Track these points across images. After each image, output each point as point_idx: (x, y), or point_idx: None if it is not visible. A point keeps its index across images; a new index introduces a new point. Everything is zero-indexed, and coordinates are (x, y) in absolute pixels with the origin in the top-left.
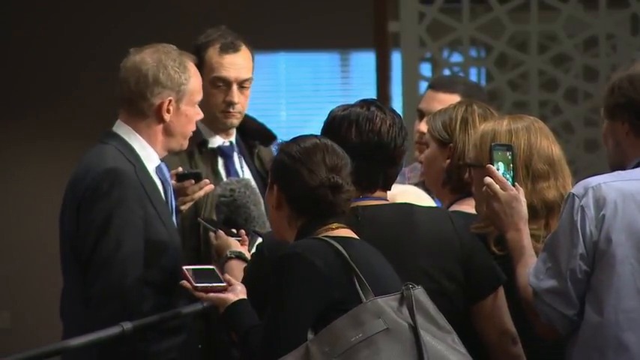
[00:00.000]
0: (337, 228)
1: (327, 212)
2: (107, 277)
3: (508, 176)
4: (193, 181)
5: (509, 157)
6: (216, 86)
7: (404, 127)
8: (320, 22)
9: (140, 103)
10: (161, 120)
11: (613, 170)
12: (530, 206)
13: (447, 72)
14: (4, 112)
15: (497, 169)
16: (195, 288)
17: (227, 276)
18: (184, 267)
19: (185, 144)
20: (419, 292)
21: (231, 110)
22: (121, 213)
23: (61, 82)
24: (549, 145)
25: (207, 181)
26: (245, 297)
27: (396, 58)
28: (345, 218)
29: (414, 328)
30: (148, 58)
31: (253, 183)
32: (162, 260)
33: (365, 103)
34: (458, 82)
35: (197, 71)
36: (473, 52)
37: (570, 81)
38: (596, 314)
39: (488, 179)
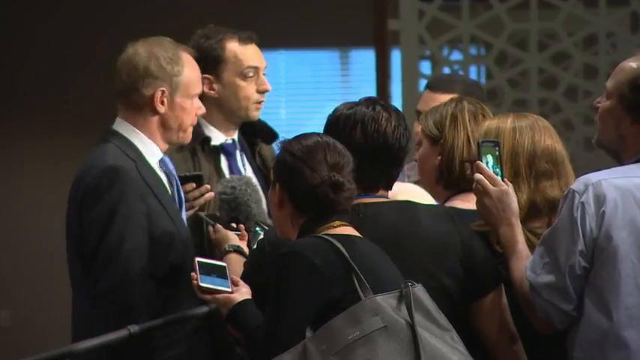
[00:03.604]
0: (339, 226)
1: (328, 210)
2: (111, 274)
3: (497, 171)
4: (195, 185)
5: (497, 153)
6: (247, 77)
7: (408, 128)
8: (320, 20)
9: (133, 96)
10: (155, 112)
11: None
12: (533, 204)
13: (446, 70)
14: (3, 111)
15: (486, 165)
16: (200, 288)
17: (235, 277)
18: (197, 259)
19: (185, 137)
20: (418, 290)
21: (264, 99)
22: (122, 209)
23: (61, 82)
24: (553, 144)
25: (208, 187)
26: (250, 297)
27: (396, 56)
28: (349, 216)
29: (412, 326)
30: (141, 49)
31: (254, 180)
32: (169, 254)
33: (370, 102)
34: (456, 80)
35: (194, 64)
36: (473, 50)
37: (570, 79)
38: (597, 310)
39: (478, 175)
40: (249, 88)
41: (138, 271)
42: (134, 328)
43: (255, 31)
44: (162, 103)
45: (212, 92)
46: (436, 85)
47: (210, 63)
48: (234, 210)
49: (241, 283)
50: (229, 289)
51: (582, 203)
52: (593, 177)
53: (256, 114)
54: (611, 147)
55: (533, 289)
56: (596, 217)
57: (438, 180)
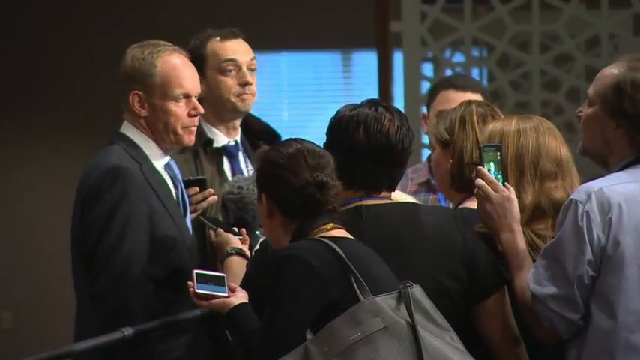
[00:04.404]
0: (332, 229)
1: (316, 211)
2: (109, 274)
3: (499, 177)
4: (197, 189)
5: (499, 158)
6: (227, 70)
7: (411, 129)
8: (322, 21)
9: (121, 100)
10: (138, 115)
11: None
12: (537, 206)
13: (448, 72)
14: (3, 111)
15: (488, 171)
16: (196, 294)
17: (232, 284)
18: (195, 270)
19: (179, 139)
20: (416, 291)
21: (247, 92)
22: (123, 208)
23: (61, 82)
24: (557, 146)
25: (211, 191)
26: (246, 301)
27: (398, 58)
28: (341, 218)
29: (413, 326)
30: (127, 54)
31: None
32: (169, 256)
33: (373, 103)
34: (476, 81)
35: (178, 64)
36: (475, 52)
37: (572, 81)
38: (605, 317)
39: (479, 181)
40: (229, 82)
41: (136, 273)
42: (128, 331)
43: (257, 33)
44: (142, 106)
45: (201, 92)
46: (463, 84)
47: (198, 63)
48: (241, 210)
49: (238, 288)
50: (226, 295)
51: (587, 212)
52: (594, 185)
53: (243, 104)
54: (596, 153)
55: (538, 300)
56: (602, 225)
57: (450, 184)
